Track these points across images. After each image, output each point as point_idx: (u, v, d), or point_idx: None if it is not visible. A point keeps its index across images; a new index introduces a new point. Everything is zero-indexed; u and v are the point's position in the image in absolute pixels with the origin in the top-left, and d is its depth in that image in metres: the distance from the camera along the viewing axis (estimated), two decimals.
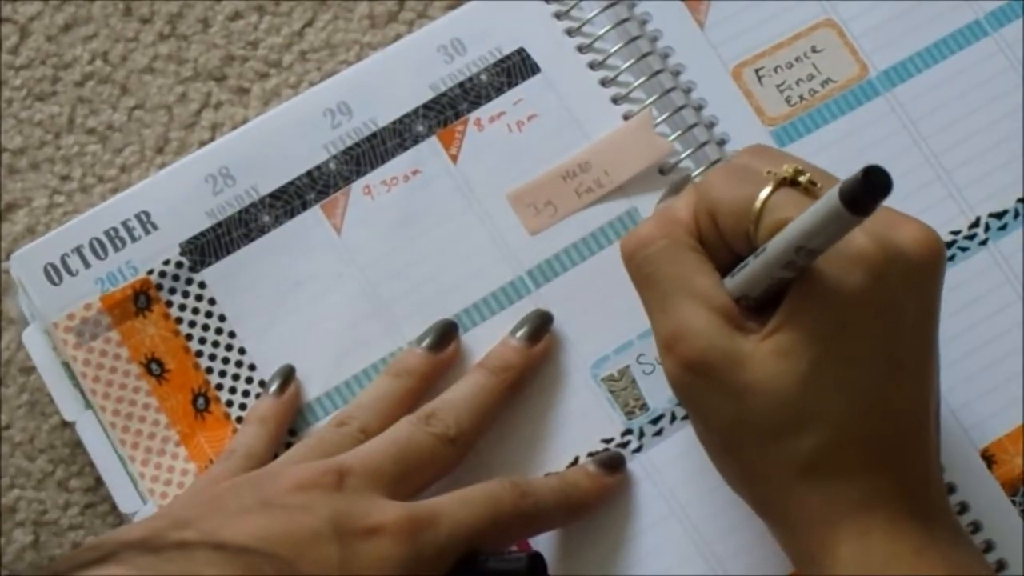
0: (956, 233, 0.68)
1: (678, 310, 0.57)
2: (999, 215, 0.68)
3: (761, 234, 0.56)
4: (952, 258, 0.67)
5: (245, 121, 0.70)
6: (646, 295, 0.59)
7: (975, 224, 0.68)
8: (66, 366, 0.65)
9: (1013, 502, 0.65)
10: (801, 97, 0.69)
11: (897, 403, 0.56)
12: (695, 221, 0.59)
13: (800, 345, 0.55)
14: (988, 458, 0.66)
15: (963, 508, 0.65)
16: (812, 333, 0.55)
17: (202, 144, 0.70)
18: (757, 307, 0.57)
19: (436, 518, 0.58)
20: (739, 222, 0.57)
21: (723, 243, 0.58)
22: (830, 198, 0.50)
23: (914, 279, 0.56)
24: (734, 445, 0.57)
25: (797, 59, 0.69)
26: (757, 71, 0.69)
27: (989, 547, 0.64)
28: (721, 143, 0.68)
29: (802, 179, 0.56)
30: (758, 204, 0.56)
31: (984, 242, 0.68)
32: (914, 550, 0.55)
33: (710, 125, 0.68)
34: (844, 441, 0.55)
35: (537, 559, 0.60)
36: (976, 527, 0.65)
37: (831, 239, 0.52)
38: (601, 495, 0.64)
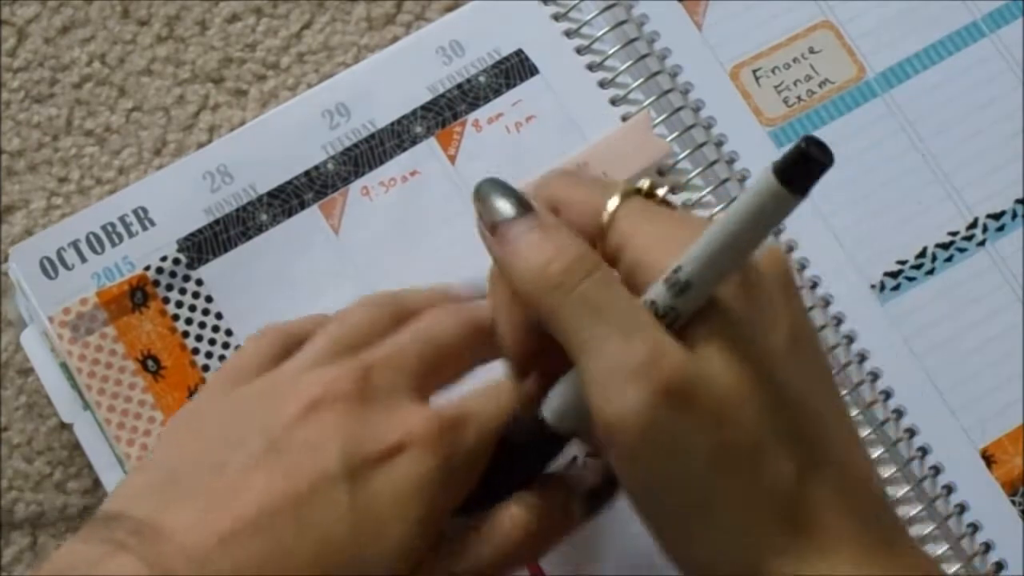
0: (954, 234, 0.68)
1: (648, 330, 0.49)
2: (997, 216, 0.68)
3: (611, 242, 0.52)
4: (950, 259, 0.67)
5: (243, 123, 0.70)
6: (597, 326, 0.50)
7: (973, 225, 0.68)
8: (64, 367, 0.65)
9: (1013, 502, 0.65)
10: (799, 98, 0.69)
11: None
12: None
13: (730, 335, 0.49)
14: (988, 458, 0.65)
15: (962, 508, 0.64)
16: (738, 320, 0.50)
17: (200, 146, 0.70)
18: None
19: (465, 419, 0.53)
20: (587, 225, 0.53)
21: None
22: (763, 175, 0.45)
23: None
24: (718, 485, 0.49)
25: (795, 60, 0.69)
26: (755, 72, 0.69)
27: (988, 547, 0.64)
28: (719, 144, 0.68)
29: (659, 192, 0.53)
30: (609, 210, 0.52)
31: (982, 243, 0.68)
32: None
33: (708, 126, 0.68)
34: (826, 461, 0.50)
35: None
36: (975, 527, 0.64)
37: (766, 231, 0.47)
38: None
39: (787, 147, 0.54)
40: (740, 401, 0.49)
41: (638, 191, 0.53)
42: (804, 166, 0.45)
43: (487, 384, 0.56)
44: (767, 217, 0.47)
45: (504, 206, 0.53)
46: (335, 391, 0.53)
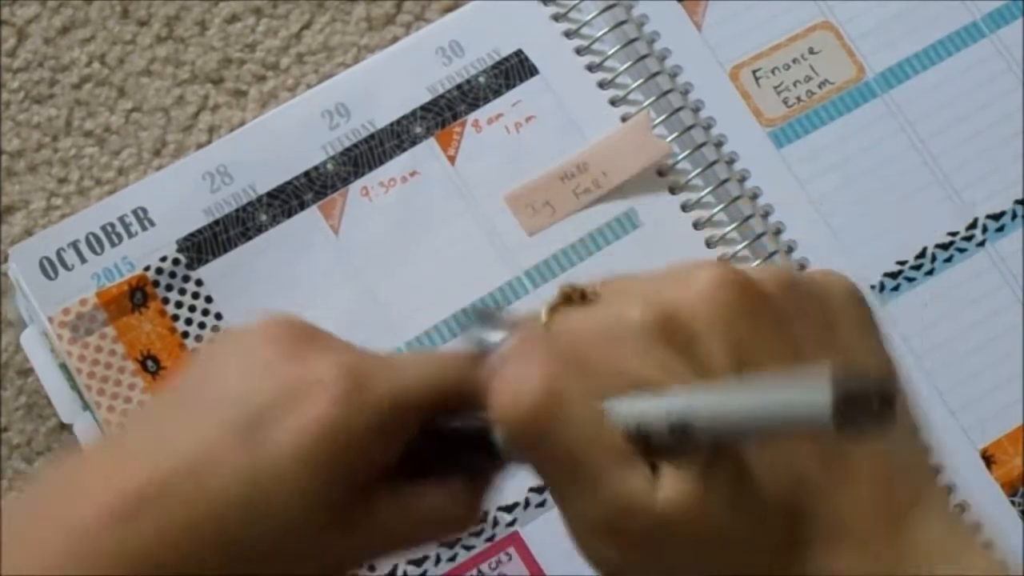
0: (954, 235, 0.68)
1: (615, 477, 0.45)
2: (997, 216, 0.68)
3: None
4: (950, 259, 0.67)
5: (242, 123, 0.70)
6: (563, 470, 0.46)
7: (972, 225, 0.68)
8: (64, 368, 0.65)
9: (1012, 502, 0.65)
10: (798, 98, 0.69)
11: None
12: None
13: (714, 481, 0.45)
14: (987, 458, 0.65)
15: (962, 509, 0.64)
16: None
17: (199, 147, 0.70)
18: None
19: (386, 372, 0.47)
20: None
21: None
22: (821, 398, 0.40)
23: None
24: None
25: (795, 60, 0.69)
26: (755, 72, 0.69)
27: (988, 548, 0.64)
28: (719, 144, 0.68)
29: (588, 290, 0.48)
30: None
31: (982, 243, 0.68)
32: None
33: (708, 126, 0.68)
34: None
35: None
36: (975, 527, 0.64)
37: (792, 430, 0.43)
38: None
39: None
40: (708, 539, 0.46)
41: (554, 308, 0.48)
42: (866, 406, 0.39)
43: (442, 351, 0.52)
44: (799, 424, 0.42)
45: (484, 334, 0.49)
46: (270, 334, 0.48)
